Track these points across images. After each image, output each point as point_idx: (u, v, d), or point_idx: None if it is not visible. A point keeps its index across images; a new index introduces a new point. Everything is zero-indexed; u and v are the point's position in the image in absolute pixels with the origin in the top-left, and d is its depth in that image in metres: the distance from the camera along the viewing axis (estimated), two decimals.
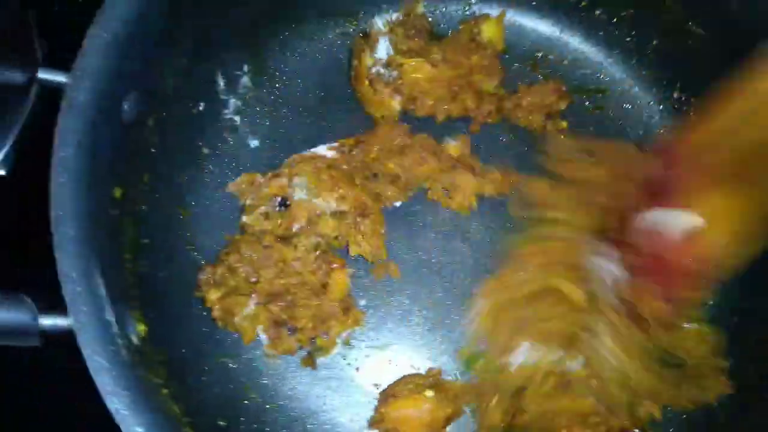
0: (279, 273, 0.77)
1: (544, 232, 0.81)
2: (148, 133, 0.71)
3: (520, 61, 0.91)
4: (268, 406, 0.77)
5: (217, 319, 0.76)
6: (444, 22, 0.92)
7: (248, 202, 0.81)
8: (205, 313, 0.77)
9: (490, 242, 0.84)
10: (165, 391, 0.59)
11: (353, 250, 0.80)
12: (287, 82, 0.88)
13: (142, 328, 0.63)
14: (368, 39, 0.87)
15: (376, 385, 0.79)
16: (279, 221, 0.79)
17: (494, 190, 0.85)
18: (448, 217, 0.85)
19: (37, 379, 0.78)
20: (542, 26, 0.93)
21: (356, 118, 0.87)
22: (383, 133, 0.84)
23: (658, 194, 0.71)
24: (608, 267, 0.74)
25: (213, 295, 0.76)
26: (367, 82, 0.85)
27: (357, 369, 0.79)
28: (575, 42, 0.93)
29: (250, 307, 0.76)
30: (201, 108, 0.82)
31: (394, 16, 0.89)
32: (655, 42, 0.89)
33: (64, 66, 0.61)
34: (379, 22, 0.89)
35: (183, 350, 0.72)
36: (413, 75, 0.85)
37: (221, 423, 0.73)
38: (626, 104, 0.91)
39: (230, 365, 0.78)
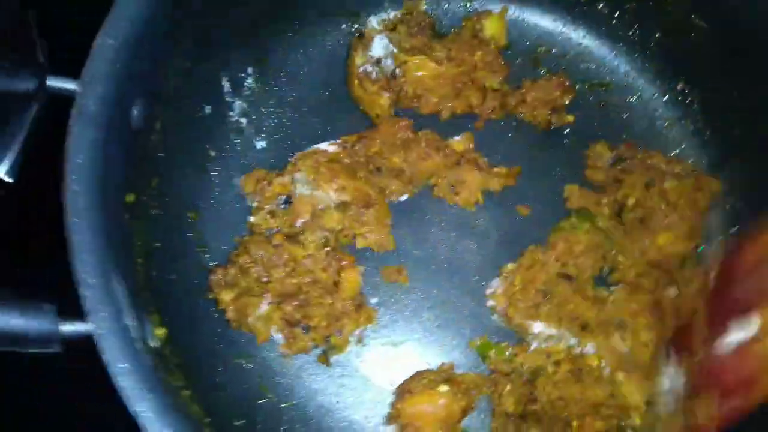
0: (290, 272, 0.78)
1: None
2: (156, 137, 0.72)
3: (523, 57, 0.92)
4: (283, 405, 0.78)
5: (230, 320, 0.77)
6: (446, 19, 0.93)
7: (254, 204, 0.82)
8: (218, 315, 0.77)
9: (497, 237, 0.84)
10: (185, 392, 0.60)
11: (359, 243, 0.81)
12: (291, 82, 0.89)
13: (160, 331, 0.63)
14: (362, 38, 0.87)
15: (390, 382, 0.79)
16: (284, 218, 0.80)
17: (500, 185, 0.85)
18: (454, 213, 0.85)
19: (53, 383, 0.78)
20: (544, 21, 0.93)
21: (360, 116, 0.87)
22: (386, 129, 0.85)
23: (720, 308, 0.70)
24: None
25: (226, 297, 0.77)
26: (356, 82, 0.86)
27: (370, 366, 0.80)
28: (578, 36, 0.93)
29: (263, 307, 0.77)
30: (207, 111, 0.82)
31: (392, 14, 0.90)
32: (658, 35, 0.89)
33: (69, 72, 0.61)
34: (374, 21, 0.89)
35: (199, 352, 0.72)
36: (417, 73, 0.86)
37: (238, 423, 0.73)
38: (630, 97, 0.92)
39: (245, 365, 0.78)
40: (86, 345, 0.53)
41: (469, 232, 0.85)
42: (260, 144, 0.87)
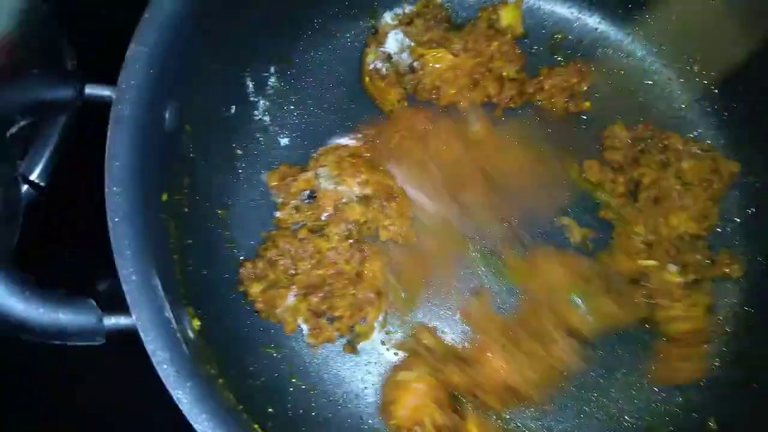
0: (316, 264, 0.81)
1: None
2: (186, 139, 0.75)
3: (540, 45, 0.93)
4: (312, 392, 0.81)
5: (260, 311, 0.80)
6: (462, 11, 0.94)
7: (280, 199, 0.84)
8: (248, 307, 0.80)
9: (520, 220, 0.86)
10: (220, 381, 0.63)
11: (383, 235, 0.83)
12: (311, 80, 0.91)
13: (196, 323, 0.66)
14: (376, 35, 0.89)
15: None
16: (309, 213, 0.83)
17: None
18: None
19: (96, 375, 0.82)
20: (559, 8, 0.94)
21: (378, 111, 0.89)
22: (403, 121, 0.86)
23: None
24: None
25: (255, 289, 0.80)
26: (367, 78, 0.88)
27: (396, 353, 0.82)
28: (594, 22, 0.94)
29: (290, 299, 0.80)
30: (233, 111, 0.85)
31: (408, 9, 0.91)
32: (673, 17, 0.89)
33: (102, 79, 0.65)
34: (388, 17, 0.91)
35: (231, 343, 0.75)
36: (434, 65, 0.87)
37: (270, 410, 0.76)
38: (647, 81, 0.92)
39: (275, 355, 0.81)
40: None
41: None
42: (284, 141, 0.89)
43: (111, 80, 0.63)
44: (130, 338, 0.56)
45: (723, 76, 0.89)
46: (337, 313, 0.80)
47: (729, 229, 0.86)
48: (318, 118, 0.90)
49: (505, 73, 0.88)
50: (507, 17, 0.90)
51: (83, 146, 0.82)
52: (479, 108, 0.88)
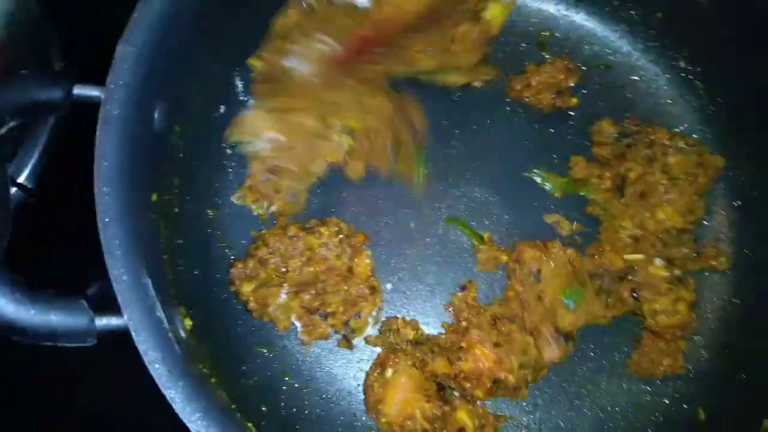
0: (307, 261, 0.81)
1: None
2: (176, 139, 0.75)
3: (527, 41, 0.93)
4: (305, 390, 0.81)
5: (252, 310, 0.80)
6: None
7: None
8: (240, 307, 0.81)
9: (507, 221, 0.87)
10: (213, 380, 0.63)
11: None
12: None
13: (188, 322, 0.67)
14: None
15: None
16: None
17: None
18: (463, 197, 0.88)
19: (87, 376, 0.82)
20: (546, 5, 0.95)
21: None
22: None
23: None
24: None
25: (246, 288, 0.80)
26: None
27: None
28: (580, 19, 0.94)
29: (282, 296, 0.80)
30: (222, 111, 0.85)
31: None
32: (659, 14, 0.90)
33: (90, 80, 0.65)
34: None
35: (223, 343, 0.76)
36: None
37: (263, 408, 0.77)
38: (634, 77, 0.93)
39: (267, 354, 0.82)
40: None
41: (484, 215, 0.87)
42: None
43: (99, 81, 0.63)
44: (122, 339, 0.56)
45: (709, 72, 0.90)
46: (330, 309, 0.80)
47: (715, 222, 0.87)
48: None
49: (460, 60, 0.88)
50: (493, 12, 0.91)
51: (72, 147, 0.83)
52: None
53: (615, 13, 0.93)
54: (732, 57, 0.85)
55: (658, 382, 0.82)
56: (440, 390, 0.78)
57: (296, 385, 0.81)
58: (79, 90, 0.62)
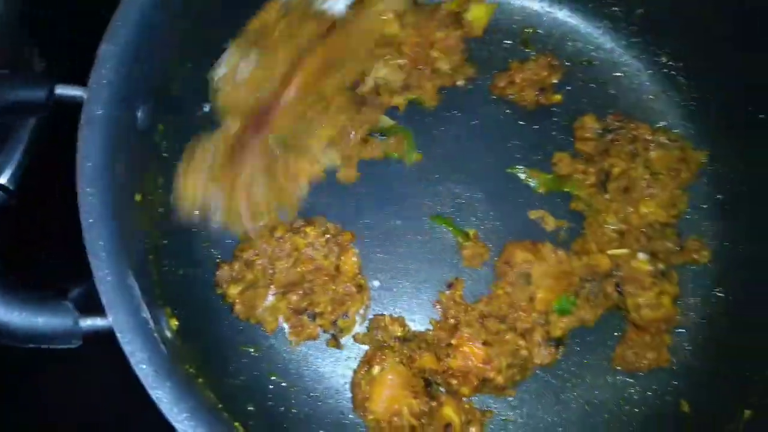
0: (294, 262, 0.81)
1: None
2: (159, 138, 0.74)
3: (511, 39, 0.94)
4: (292, 389, 0.81)
5: (238, 313, 0.80)
6: None
7: None
8: (226, 307, 0.80)
9: (492, 217, 0.87)
10: (200, 380, 0.63)
11: None
12: None
13: (174, 323, 0.66)
14: None
15: None
16: None
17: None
18: (449, 192, 0.88)
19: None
20: (530, 2, 0.95)
21: None
22: None
23: None
24: None
25: (233, 291, 0.80)
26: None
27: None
28: (563, 16, 0.95)
29: (270, 298, 0.80)
30: (206, 109, 0.84)
31: None
32: (640, 10, 0.91)
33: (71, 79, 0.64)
34: None
35: (210, 343, 0.76)
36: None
37: (250, 408, 0.76)
38: (616, 73, 0.94)
39: (253, 353, 0.82)
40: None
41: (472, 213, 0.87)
42: None
43: (80, 81, 0.63)
44: (107, 340, 0.56)
45: (691, 68, 0.91)
46: (318, 309, 0.80)
47: (698, 216, 0.88)
48: None
49: (437, 65, 0.89)
50: (476, 13, 0.91)
51: (53, 148, 0.82)
52: None
53: (598, 10, 0.94)
54: (715, 52, 0.86)
55: (643, 375, 0.83)
56: (427, 386, 0.78)
57: (283, 384, 0.81)
58: (61, 90, 0.61)
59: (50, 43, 0.73)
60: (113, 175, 0.60)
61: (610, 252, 0.83)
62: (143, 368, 0.53)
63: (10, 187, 0.83)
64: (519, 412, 0.82)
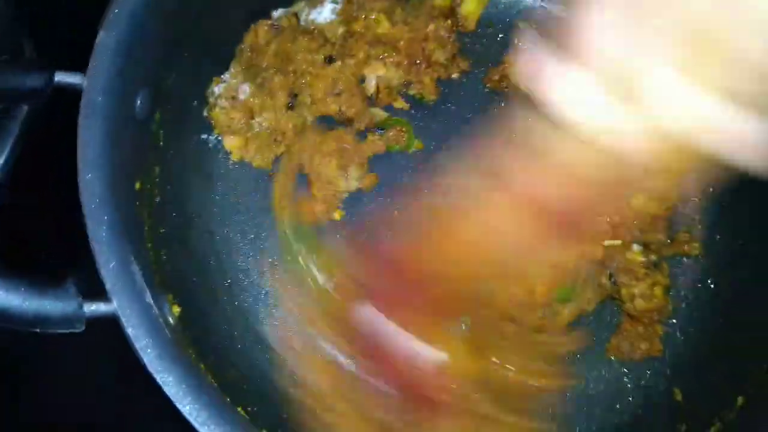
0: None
1: None
2: (155, 126, 0.74)
3: (504, 32, 0.94)
4: (286, 373, 0.79)
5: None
6: None
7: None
8: (226, 297, 0.81)
9: None
10: (201, 366, 0.63)
11: None
12: None
13: (176, 309, 0.66)
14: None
15: None
16: None
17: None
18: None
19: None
20: None
21: None
22: None
23: None
24: None
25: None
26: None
27: None
28: (555, 10, 0.96)
29: None
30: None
31: None
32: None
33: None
34: None
35: (209, 331, 0.75)
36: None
37: (252, 395, 0.76)
38: None
39: (253, 340, 0.81)
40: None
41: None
42: None
43: (77, 68, 0.63)
44: (111, 324, 0.56)
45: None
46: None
47: (689, 209, 0.89)
48: None
49: (434, 57, 0.89)
50: (468, 7, 0.92)
51: (46, 138, 0.81)
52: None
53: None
54: None
55: (636, 365, 0.84)
56: None
57: (284, 372, 0.81)
58: (60, 77, 0.61)
59: (46, 30, 0.72)
60: (113, 163, 0.60)
61: (605, 243, 0.84)
62: (149, 352, 0.53)
63: (1, 181, 0.83)
64: None
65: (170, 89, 0.75)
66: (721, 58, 0.42)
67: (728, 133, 0.44)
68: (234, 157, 0.86)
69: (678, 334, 0.86)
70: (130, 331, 0.53)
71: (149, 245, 0.69)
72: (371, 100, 0.87)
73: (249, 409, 0.64)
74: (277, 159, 0.86)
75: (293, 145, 0.85)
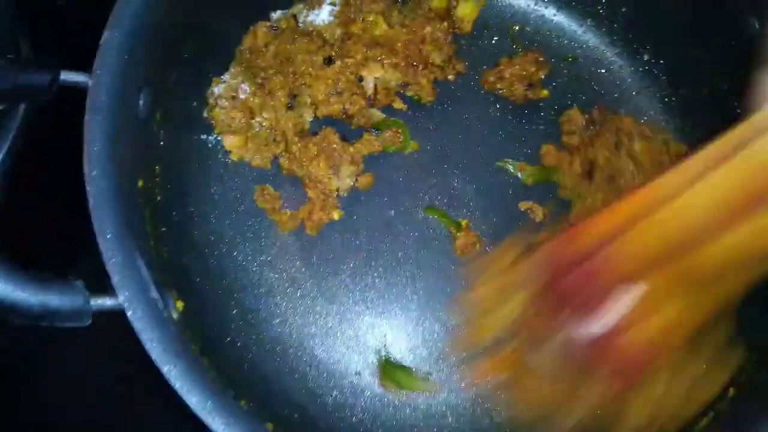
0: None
1: None
2: (156, 126, 0.75)
3: (500, 35, 0.96)
4: (287, 370, 0.82)
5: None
6: None
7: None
8: (228, 295, 0.82)
9: (483, 208, 0.89)
10: (205, 360, 0.63)
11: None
12: None
13: (180, 305, 0.67)
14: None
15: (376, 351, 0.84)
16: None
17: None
18: (436, 183, 0.90)
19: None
20: (518, 0, 0.98)
21: None
22: None
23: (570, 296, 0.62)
24: None
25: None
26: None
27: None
28: (550, 14, 0.98)
29: None
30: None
31: None
32: (624, 9, 0.94)
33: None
34: None
35: (212, 327, 0.76)
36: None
37: (255, 389, 0.77)
38: (600, 69, 0.97)
39: (256, 337, 0.82)
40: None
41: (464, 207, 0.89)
42: None
43: (82, 67, 0.63)
44: (117, 318, 0.57)
45: (671, 65, 0.94)
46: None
47: None
48: None
49: (431, 59, 0.90)
50: (465, 9, 0.94)
51: (46, 137, 0.82)
52: None
53: (582, 9, 0.97)
54: (695, 51, 0.89)
55: None
56: None
57: (287, 370, 0.82)
58: (66, 75, 0.62)
59: (46, 30, 0.73)
60: (117, 160, 0.61)
61: None
62: (154, 345, 0.54)
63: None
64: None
65: (171, 89, 0.76)
66: None
67: None
68: (234, 157, 0.87)
69: None
70: (136, 324, 0.54)
71: (152, 243, 0.70)
72: (369, 101, 0.89)
73: (251, 404, 0.64)
74: (275, 158, 0.87)
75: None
